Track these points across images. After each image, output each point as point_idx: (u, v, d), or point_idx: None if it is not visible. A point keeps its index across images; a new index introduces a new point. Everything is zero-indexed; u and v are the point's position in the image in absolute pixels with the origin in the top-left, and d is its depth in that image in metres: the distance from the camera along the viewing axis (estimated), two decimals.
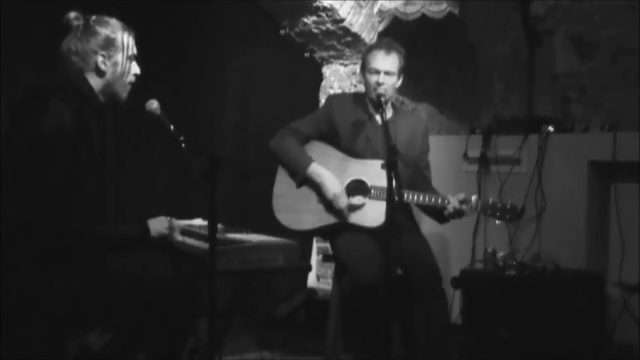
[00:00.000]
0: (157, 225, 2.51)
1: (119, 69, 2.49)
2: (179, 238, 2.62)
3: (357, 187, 3.33)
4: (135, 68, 2.56)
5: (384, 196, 3.20)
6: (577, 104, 4.33)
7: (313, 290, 4.45)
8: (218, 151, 2.46)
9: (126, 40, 2.50)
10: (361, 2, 4.47)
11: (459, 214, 3.21)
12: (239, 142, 4.65)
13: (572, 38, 4.30)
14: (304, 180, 3.37)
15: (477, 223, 4.16)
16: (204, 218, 3.12)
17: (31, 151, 2.27)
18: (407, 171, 3.31)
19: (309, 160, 3.35)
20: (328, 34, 4.53)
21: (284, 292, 4.49)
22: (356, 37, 4.52)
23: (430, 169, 3.54)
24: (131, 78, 2.55)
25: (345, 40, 4.57)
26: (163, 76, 4.17)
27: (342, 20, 4.43)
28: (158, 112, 2.54)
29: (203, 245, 2.57)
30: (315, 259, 4.68)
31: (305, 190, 3.38)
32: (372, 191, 3.28)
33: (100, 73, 2.46)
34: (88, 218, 2.33)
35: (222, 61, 4.61)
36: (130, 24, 2.53)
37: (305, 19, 4.48)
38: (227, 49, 4.60)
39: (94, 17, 2.48)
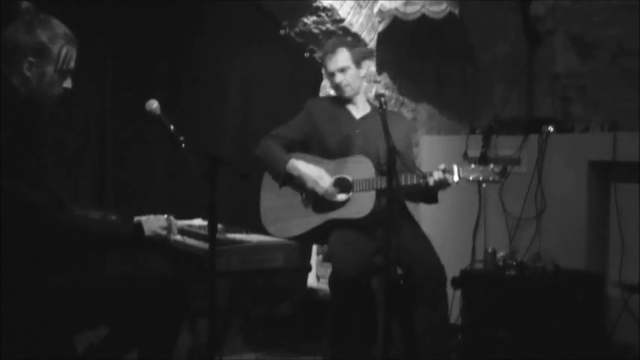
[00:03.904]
0: (154, 224, 2.48)
1: (46, 80, 2.31)
2: (177, 237, 2.62)
3: (341, 185, 3.35)
4: (67, 83, 2.37)
5: (368, 187, 3.24)
6: (577, 104, 4.32)
7: (313, 290, 4.45)
8: (218, 151, 2.45)
9: (63, 52, 2.32)
10: (361, 2, 4.47)
11: (443, 184, 3.13)
12: (239, 142, 4.65)
13: (572, 38, 4.29)
14: (286, 177, 3.39)
15: (477, 223, 4.16)
16: (204, 218, 3.12)
17: None
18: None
19: (288, 157, 3.39)
20: (328, 34, 4.53)
21: (284, 293, 4.49)
22: (356, 37, 4.51)
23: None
24: (59, 91, 2.36)
25: (345, 41, 4.57)
26: (163, 76, 4.17)
27: (342, 20, 4.42)
28: (158, 112, 2.53)
29: (203, 245, 2.57)
30: (315, 259, 4.68)
31: (289, 199, 3.41)
32: (355, 185, 3.29)
33: (24, 79, 2.28)
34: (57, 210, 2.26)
35: (222, 61, 4.61)
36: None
37: (305, 19, 4.48)
38: (227, 49, 4.60)
39: (41, 16, 2.32)
